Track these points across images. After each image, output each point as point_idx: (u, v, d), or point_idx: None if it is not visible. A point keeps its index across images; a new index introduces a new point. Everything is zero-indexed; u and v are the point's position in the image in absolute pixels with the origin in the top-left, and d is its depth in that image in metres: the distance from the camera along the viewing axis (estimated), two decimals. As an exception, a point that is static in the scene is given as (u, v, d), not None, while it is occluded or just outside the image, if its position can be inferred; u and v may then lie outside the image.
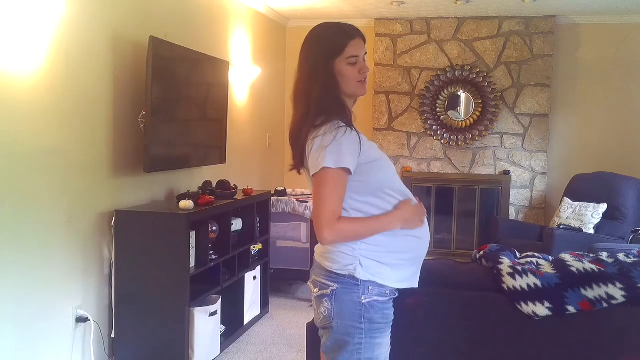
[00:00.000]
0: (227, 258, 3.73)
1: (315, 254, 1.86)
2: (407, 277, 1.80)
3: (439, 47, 6.23)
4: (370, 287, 1.73)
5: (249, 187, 4.19)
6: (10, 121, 2.61)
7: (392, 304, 1.79)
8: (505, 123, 6.17)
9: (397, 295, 1.81)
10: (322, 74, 1.75)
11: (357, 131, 1.73)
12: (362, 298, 1.72)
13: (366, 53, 1.82)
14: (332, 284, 1.75)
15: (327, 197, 1.67)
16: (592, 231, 5.00)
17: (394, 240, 1.75)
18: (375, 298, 1.73)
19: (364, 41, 1.81)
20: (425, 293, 2.05)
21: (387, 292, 1.75)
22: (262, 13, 5.75)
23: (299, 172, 1.84)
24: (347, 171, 1.68)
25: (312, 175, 1.71)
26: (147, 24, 3.60)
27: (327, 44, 1.77)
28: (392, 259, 1.76)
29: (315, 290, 1.81)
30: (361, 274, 1.72)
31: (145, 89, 3.36)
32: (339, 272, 1.74)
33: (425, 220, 1.85)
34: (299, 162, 1.79)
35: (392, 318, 1.80)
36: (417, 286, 1.84)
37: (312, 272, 1.87)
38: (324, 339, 1.81)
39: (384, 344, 1.78)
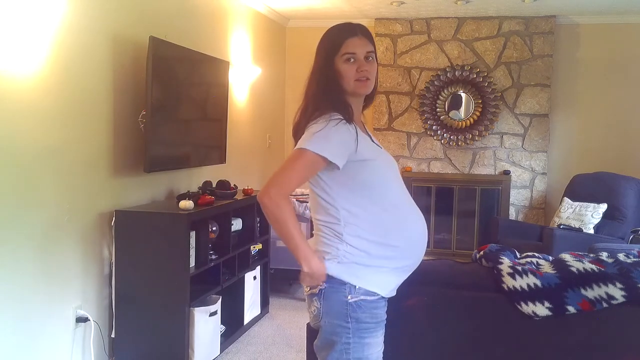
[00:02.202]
0: (227, 258, 3.73)
1: None
2: (385, 284, 1.78)
3: (439, 47, 6.23)
4: (357, 287, 1.72)
5: (249, 187, 4.19)
6: (10, 121, 2.61)
7: (383, 303, 1.78)
8: (505, 123, 6.17)
9: (391, 294, 1.80)
10: (321, 71, 1.77)
11: (355, 127, 1.72)
12: (349, 297, 1.72)
13: (372, 51, 1.79)
14: (321, 283, 1.75)
15: (293, 172, 1.67)
16: (592, 231, 5.00)
17: (379, 249, 1.74)
18: (362, 297, 1.72)
19: (369, 39, 1.80)
20: (425, 293, 2.04)
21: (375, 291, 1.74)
22: (262, 13, 5.76)
23: None
24: (326, 161, 1.66)
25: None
26: (147, 24, 3.60)
27: (328, 42, 1.79)
28: (374, 264, 1.74)
29: (306, 289, 1.82)
30: (341, 273, 1.72)
31: (145, 89, 3.36)
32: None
33: (419, 231, 1.83)
34: None
35: (384, 318, 1.78)
36: (393, 295, 1.83)
37: None
38: (316, 338, 1.81)
39: (374, 344, 1.76)
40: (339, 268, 1.72)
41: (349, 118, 1.72)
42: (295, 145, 1.77)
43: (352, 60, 1.76)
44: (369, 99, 1.89)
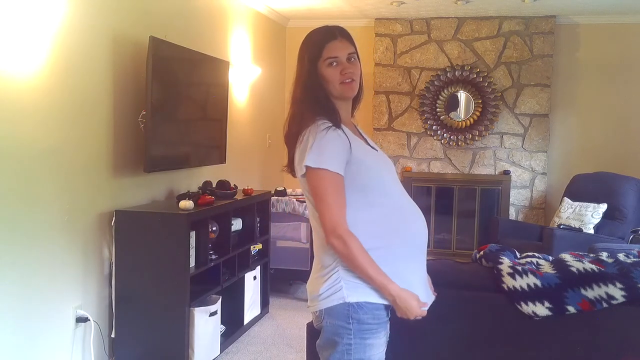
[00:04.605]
0: (227, 258, 3.73)
1: None
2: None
3: (439, 47, 6.23)
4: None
5: (249, 187, 4.19)
6: (11, 122, 2.61)
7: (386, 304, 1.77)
8: (505, 123, 6.17)
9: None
10: (305, 77, 1.76)
11: (343, 131, 1.71)
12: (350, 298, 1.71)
13: (353, 52, 1.78)
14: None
15: (332, 201, 1.66)
16: (592, 231, 4.99)
17: (380, 253, 1.71)
18: (363, 299, 1.72)
19: (349, 40, 1.79)
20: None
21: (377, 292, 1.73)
22: (262, 13, 5.76)
23: (293, 175, 1.82)
24: (331, 171, 1.66)
25: (301, 176, 1.71)
26: (147, 24, 3.60)
27: (309, 47, 1.78)
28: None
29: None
30: (349, 297, 1.70)
31: (145, 89, 3.36)
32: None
33: (420, 231, 1.80)
34: (292, 163, 1.79)
35: (387, 319, 1.76)
36: (428, 300, 1.80)
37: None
38: (319, 338, 1.81)
39: (376, 345, 1.74)
40: (343, 292, 1.71)
41: (336, 122, 1.71)
42: (288, 154, 1.78)
43: (335, 64, 1.75)
44: (356, 101, 1.88)
